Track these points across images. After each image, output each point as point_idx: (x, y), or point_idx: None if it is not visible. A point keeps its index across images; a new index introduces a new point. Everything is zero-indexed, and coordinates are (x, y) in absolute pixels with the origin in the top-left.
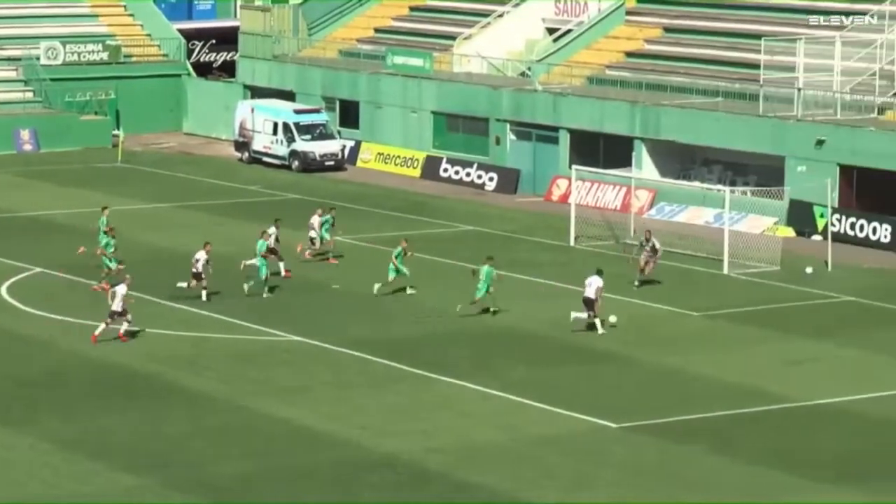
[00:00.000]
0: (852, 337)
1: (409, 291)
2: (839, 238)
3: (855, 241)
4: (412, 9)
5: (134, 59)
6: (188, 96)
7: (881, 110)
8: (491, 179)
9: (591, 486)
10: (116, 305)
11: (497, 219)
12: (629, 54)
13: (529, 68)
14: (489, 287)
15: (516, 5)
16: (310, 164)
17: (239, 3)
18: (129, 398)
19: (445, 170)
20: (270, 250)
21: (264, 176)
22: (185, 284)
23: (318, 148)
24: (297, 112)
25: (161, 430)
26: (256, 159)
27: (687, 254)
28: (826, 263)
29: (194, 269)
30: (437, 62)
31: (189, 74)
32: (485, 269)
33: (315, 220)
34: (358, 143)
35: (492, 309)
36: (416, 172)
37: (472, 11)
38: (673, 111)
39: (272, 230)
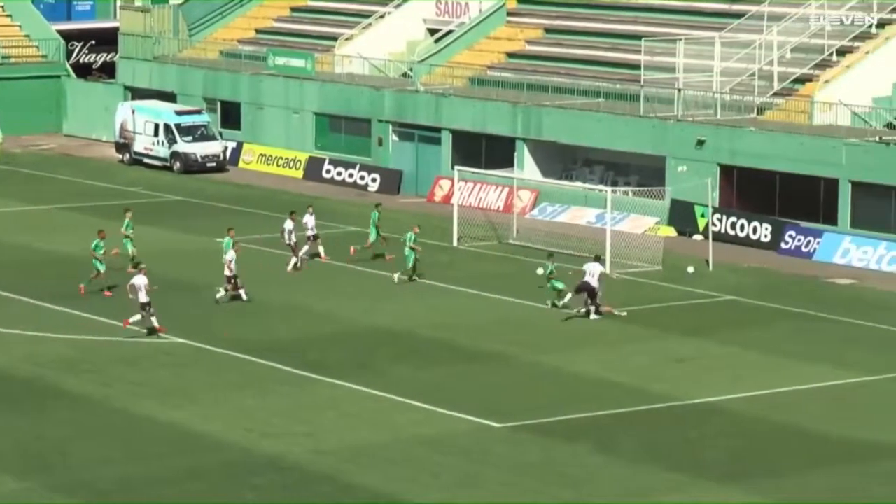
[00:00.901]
0: (733, 335)
1: (395, 279)
2: (720, 237)
3: (735, 240)
4: (293, 9)
5: (12, 60)
6: (68, 97)
7: (760, 110)
8: (374, 180)
9: (476, 486)
10: (143, 297)
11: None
12: (510, 55)
13: (411, 69)
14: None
15: (398, 6)
16: (191, 166)
17: (118, 4)
18: (9, 402)
19: (328, 171)
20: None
21: (146, 177)
22: (221, 292)
23: (200, 149)
24: (179, 113)
25: (43, 433)
26: (137, 160)
27: (569, 253)
28: (707, 263)
29: (228, 272)
30: (318, 63)
31: (69, 75)
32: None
33: (308, 219)
34: (240, 145)
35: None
36: (299, 173)
37: (354, 12)
38: (554, 112)
39: (288, 224)
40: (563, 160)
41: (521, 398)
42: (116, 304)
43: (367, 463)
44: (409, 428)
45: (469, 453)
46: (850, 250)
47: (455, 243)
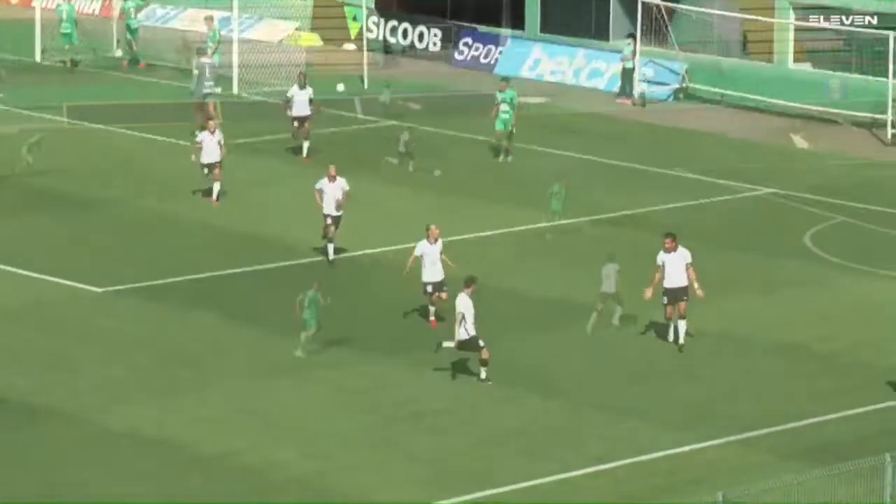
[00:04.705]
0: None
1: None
2: (378, 47)
3: (398, 50)
4: None
5: None
6: None
7: None
8: None
9: (68, 370)
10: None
11: None
12: None
13: None
14: None
15: None
16: None
17: None
18: None
19: None
20: None
21: None
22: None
23: None
24: None
25: None
26: None
27: (183, 69)
28: (362, 80)
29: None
30: None
31: None
32: None
33: None
34: None
35: None
36: None
37: None
38: None
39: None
40: None
41: (129, 255)
42: None
43: None
44: None
45: (62, 327)
46: (540, 60)
47: (38, 58)
